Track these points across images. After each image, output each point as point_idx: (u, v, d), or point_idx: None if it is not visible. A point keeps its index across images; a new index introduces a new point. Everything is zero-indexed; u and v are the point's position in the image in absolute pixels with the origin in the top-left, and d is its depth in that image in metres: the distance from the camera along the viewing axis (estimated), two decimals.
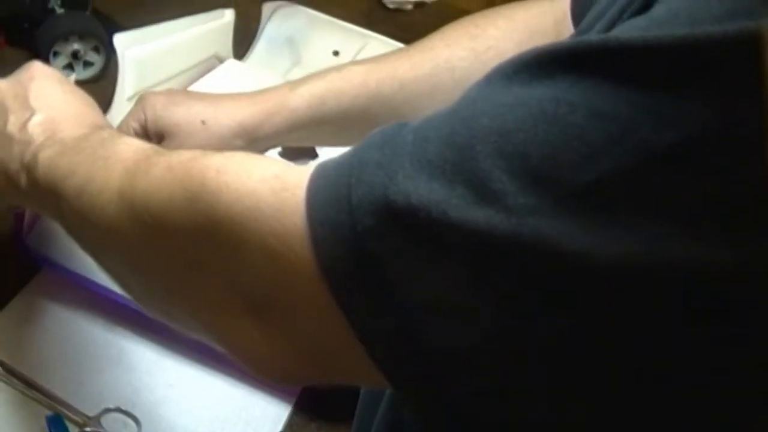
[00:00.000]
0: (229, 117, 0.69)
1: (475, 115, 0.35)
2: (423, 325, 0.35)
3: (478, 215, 0.32)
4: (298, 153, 0.85)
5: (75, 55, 0.95)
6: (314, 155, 0.85)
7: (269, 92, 0.70)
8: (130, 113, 0.71)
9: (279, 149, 0.81)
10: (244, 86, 0.93)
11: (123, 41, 0.81)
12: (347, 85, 0.70)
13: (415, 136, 0.36)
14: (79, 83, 0.95)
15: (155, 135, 0.70)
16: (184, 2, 1.11)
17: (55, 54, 0.94)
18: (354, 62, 0.72)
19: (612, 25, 0.38)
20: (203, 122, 0.68)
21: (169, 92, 0.73)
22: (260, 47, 1.05)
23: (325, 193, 0.38)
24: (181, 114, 0.69)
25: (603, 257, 0.31)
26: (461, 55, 0.71)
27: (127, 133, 0.70)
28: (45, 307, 0.71)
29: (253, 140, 0.69)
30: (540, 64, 0.34)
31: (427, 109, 0.70)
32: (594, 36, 0.35)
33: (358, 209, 0.35)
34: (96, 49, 0.96)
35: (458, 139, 0.34)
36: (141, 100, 0.71)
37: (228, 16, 0.97)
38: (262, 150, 0.72)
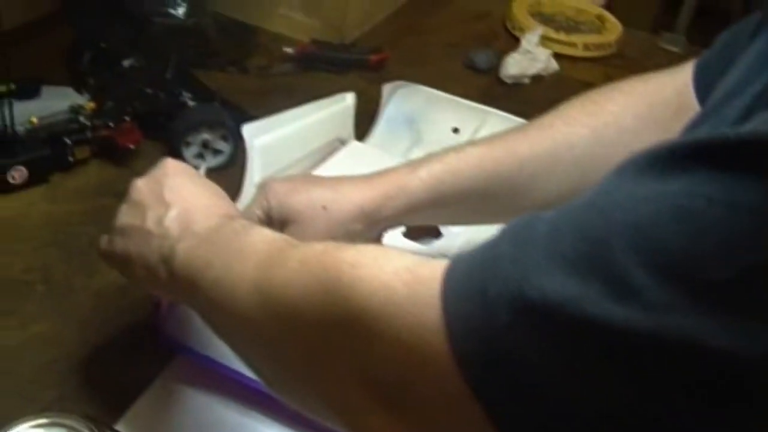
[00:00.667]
0: (349, 201, 0.70)
1: (608, 209, 0.35)
2: (561, 417, 0.35)
3: (616, 311, 0.32)
4: (421, 232, 0.86)
5: (205, 145, 1.00)
6: (438, 234, 0.86)
7: (387, 175, 0.71)
8: (254, 201, 0.74)
9: (402, 229, 0.82)
10: (365, 167, 0.95)
11: (250, 131, 0.85)
12: (465, 165, 0.70)
13: (549, 228, 0.37)
14: (209, 171, 1.00)
15: (278, 221, 0.72)
16: (305, 88, 1.16)
17: (187, 144, 0.99)
18: (471, 142, 0.73)
19: (749, 111, 0.37)
20: (324, 207, 0.70)
21: (290, 179, 0.75)
22: (381, 127, 1.07)
23: (460, 287, 0.38)
24: (302, 200, 0.71)
25: (745, 353, 0.30)
26: (580, 133, 0.70)
27: (252, 221, 0.73)
28: (181, 392, 0.73)
29: (373, 223, 0.71)
30: (674, 157, 0.34)
31: (545, 188, 0.71)
32: (729, 130, 0.34)
33: (493, 304, 0.36)
34: (224, 138, 1.01)
35: (592, 233, 0.34)
36: (263, 187, 0.74)
37: (349, 99, 1.00)
38: (382, 231, 0.73)
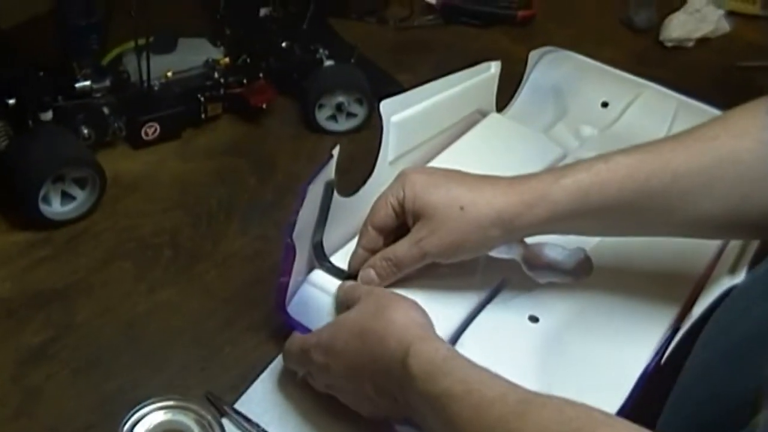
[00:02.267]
0: (488, 204, 0.70)
1: None
2: None
3: None
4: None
5: (339, 107, 1.01)
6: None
7: (530, 181, 0.71)
8: (390, 188, 0.75)
9: None
10: (505, 141, 0.96)
11: (387, 107, 0.85)
12: (613, 176, 0.69)
13: None
14: (341, 133, 1.02)
15: (412, 214, 0.73)
16: (446, 43, 1.16)
17: (321, 106, 1.01)
18: (622, 151, 0.71)
19: None
20: (461, 208, 0.71)
21: (430, 172, 0.76)
22: (524, 97, 1.06)
23: None
24: (440, 197, 0.72)
25: None
26: (749, 147, 0.68)
27: (385, 209, 0.75)
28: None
29: (511, 230, 0.71)
30: None
31: (700, 206, 0.69)
32: None
33: None
34: (359, 101, 1.02)
35: None
36: (401, 176, 0.75)
37: (493, 69, 0.98)
38: (518, 238, 0.74)
